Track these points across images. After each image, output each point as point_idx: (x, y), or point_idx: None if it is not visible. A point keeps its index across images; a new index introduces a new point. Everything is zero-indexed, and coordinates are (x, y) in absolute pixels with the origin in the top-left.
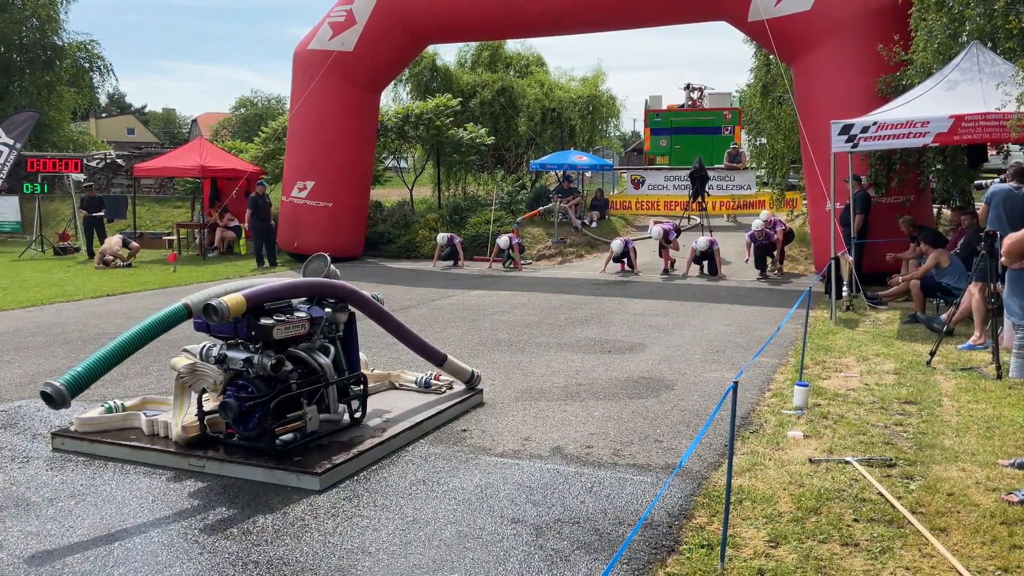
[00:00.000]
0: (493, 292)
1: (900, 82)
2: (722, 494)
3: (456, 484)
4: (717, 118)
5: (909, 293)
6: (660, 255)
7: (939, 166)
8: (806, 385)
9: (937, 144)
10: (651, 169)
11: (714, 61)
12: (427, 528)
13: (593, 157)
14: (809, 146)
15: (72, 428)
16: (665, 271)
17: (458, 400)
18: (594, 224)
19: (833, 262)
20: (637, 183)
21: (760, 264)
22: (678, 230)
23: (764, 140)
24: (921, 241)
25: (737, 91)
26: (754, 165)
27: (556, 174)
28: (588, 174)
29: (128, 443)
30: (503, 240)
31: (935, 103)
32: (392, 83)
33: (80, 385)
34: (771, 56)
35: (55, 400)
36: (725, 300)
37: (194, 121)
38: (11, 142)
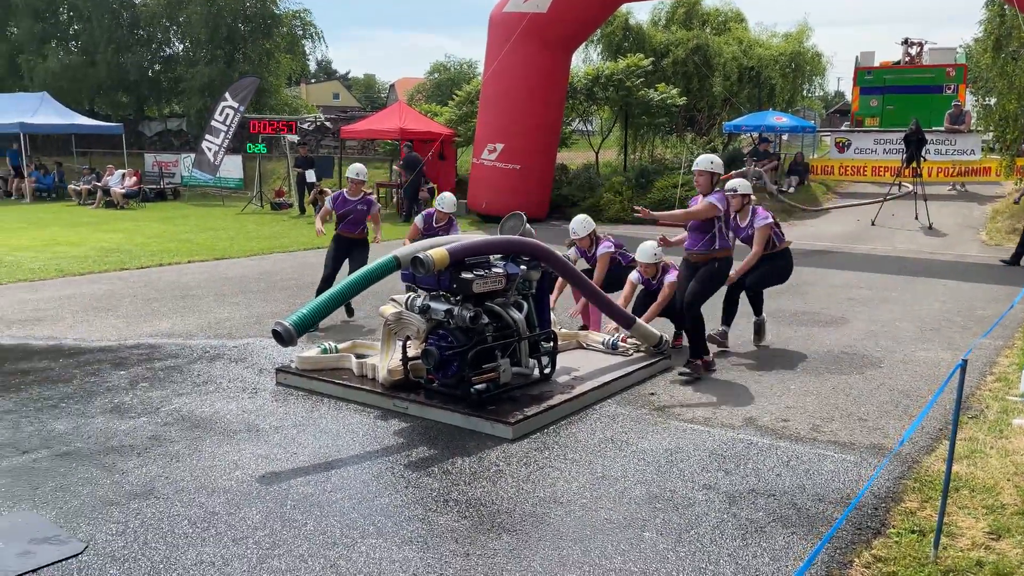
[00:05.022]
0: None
1: None
2: (935, 479)
3: (645, 446)
4: (938, 75)
5: None
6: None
7: None
8: None
9: None
10: (859, 131)
11: (936, 13)
12: (617, 485)
13: (793, 118)
14: None
15: (293, 365)
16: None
17: (646, 363)
18: (792, 190)
19: None
20: (842, 146)
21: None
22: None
23: (994, 100)
24: None
25: (962, 46)
26: (980, 128)
27: (751, 136)
28: (786, 136)
29: (341, 382)
30: None
31: None
32: (583, 44)
33: (305, 325)
34: (1006, 7)
35: (284, 338)
36: (942, 275)
37: (392, 86)
38: (236, 105)
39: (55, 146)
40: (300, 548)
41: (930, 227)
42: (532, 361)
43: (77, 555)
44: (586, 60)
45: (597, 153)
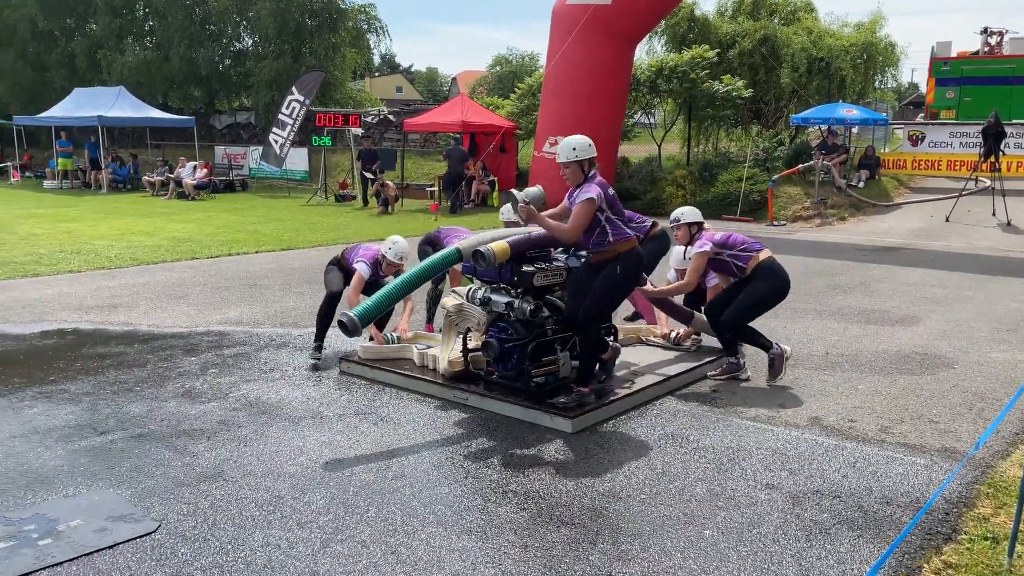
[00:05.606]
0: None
1: None
2: (1010, 485)
3: (706, 443)
4: (1020, 66)
5: None
6: None
7: None
8: None
9: None
10: (934, 124)
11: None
12: (676, 482)
13: (864, 110)
14: None
15: (356, 355)
16: None
17: (707, 360)
18: (861, 184)
19: None
20: (916, 140)
21: None
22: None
23: None
24: None
25: None
26: None
27: (820, 129)
28: (856, 129)
29: (402, 372)
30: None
31: None
32: (647, 36)
33: (369, 316)
34: None
35: (349, 328)
36: (1020, 273)
37: (454, 79)
38: (302, 99)
39: (130, 138)
40: (362, 534)
41: (1008, 224)
42: None
43: (151, 533)
44: (650, 52)
45: (660, 146)
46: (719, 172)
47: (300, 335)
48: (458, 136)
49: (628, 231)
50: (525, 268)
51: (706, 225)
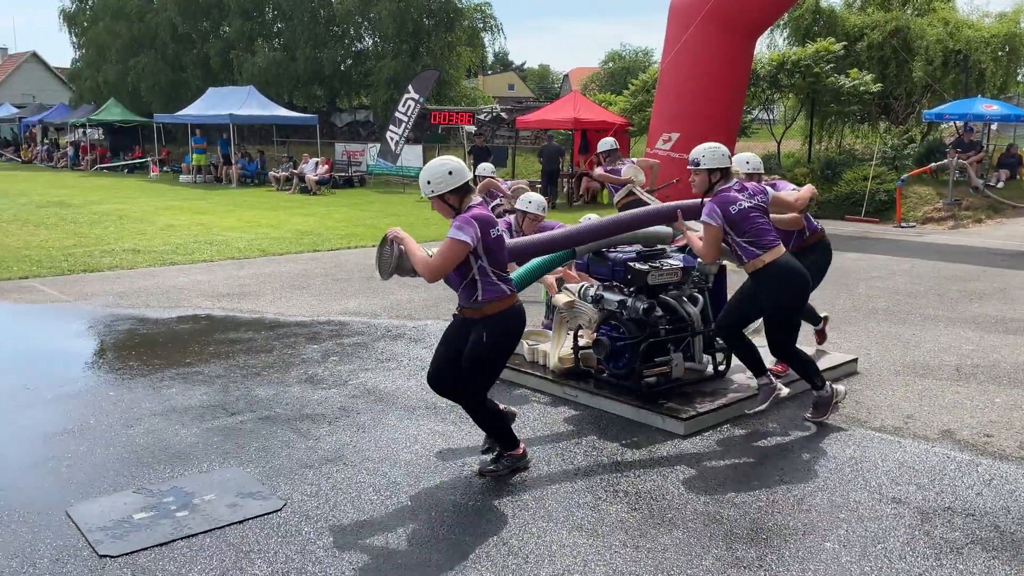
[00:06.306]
0: (868, 255)
1: None
2: None
3: (827, 452)
4: None
5: None
6: None
7: None
8: None
9: None
10: None
11: None
12: (795, 491)
13: (1005, 106)
14: None
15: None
16: None
17: (829, 366)
18: (1001, 184)
19: None
20: None
21: None
22: None
23: None
24: None
25: None
26: None
27: (955, 125)
28: (995, 126)
29: (513, 367)
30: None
31: None
32: (768, 29)
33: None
34: None
35: None
36: None
37: (565, 76)
38: (417, 97)
39: (258, 136)
40: (475, 525)
41: None
42: (706, 357)
43: (277, 511)
44: (771, 46)
45: (779, 143)
46: (843, 170)
47: (414, 327)
48: (551, 134)
49: (497, 292)
50: (639, 266)
51: (738, 173)
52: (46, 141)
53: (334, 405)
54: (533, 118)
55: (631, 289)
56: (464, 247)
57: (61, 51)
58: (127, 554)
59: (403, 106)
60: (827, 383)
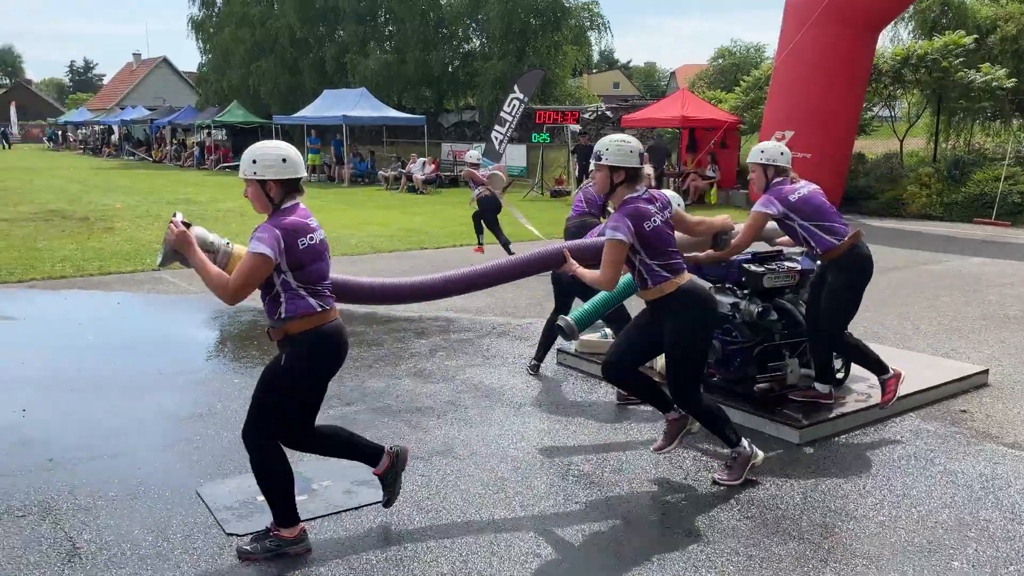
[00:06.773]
0: (998, 260)
1: None
2: None
3: (954, 467)
4: None
5: None
6: None
7: None
8: None
9: None
10: None
11: None
12: (919, 507)
13: None
14: None
15: (573, 348)
16: None
17: (957, 377)
18: None
19: None
20: None
21: None
22: None
23: None
24: None
25: None
26: None
27: None
28: None
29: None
30: None
31: None
32: (891, 23)
33: (584, 323)
34: None
35: (567, 333)
36: None
37: (672, 74)
38: (522, 96)
39: (368, 136)
40: (583, 525)
41: None
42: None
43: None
44: (894, 40)
45: (902, 141)
46: (972, 170)
47: (519, 325)
48: (660, 132)
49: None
50: (754, 268)
51: (794, 175)
52: (174, 141)
53: (442, 399)
54: (639, 116)
55: (745, 292)
56: (266, 262)
57: (189, 56)
58: (252, 533)
59: (508, 106)
60: (743, 439)
